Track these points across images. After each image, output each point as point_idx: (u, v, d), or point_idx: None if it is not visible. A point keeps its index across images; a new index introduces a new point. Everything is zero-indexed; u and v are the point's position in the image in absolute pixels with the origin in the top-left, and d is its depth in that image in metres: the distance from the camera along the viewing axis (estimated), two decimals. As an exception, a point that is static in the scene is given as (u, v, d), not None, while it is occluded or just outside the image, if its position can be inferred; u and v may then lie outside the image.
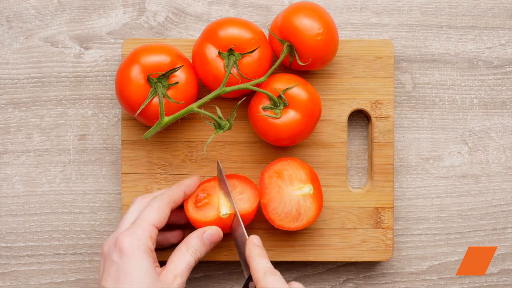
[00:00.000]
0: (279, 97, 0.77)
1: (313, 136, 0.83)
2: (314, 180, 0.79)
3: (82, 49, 0.85)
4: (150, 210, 0.74)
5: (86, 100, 0.85)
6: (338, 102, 0.83)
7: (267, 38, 0.80)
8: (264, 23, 0.86)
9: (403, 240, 0.86)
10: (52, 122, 0.85)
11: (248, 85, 0.76)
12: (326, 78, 0.83)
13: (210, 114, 0.75)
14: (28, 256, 0.85)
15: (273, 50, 0.79)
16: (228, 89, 0.76)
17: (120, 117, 0.85)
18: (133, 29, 0.85)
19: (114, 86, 0.85)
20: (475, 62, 0.86)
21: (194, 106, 0.76)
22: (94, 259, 0.85)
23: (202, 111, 0.76)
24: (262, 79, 0.77)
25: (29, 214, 0.85)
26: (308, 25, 0.76)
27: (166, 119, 0.76)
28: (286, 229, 0.78)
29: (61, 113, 0.85)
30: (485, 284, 0.86)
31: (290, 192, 0.78)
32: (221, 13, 0.86)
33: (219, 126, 0.77)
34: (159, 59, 0.77)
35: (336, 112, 0.83)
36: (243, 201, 0.78)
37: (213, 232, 0.76)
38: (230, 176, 0.80)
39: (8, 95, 0.85)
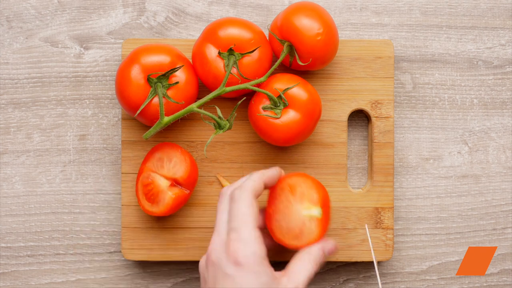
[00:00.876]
0: (279, 97, 0.77)
1: (313, 136, 0.83)
2: (325, 203, 0.75)
3: (82, 49, 0.85)
4: (244, 211, 0.68)
5: (86, 100, 0.85)
6: (338, 102, 0.83)
7: (267, 38, 0.80)
8: (264, 23, 0.86)
9: (403, 240, 0.86)
10: (52, 122, 0.85)
11: (248, 85, 0.76)
12: (326, 78, 0.83)
13: (210, 114, 0.75)
14: (28, 256, 0.85)
15: (273, 50, 0.79)
16: (228, 89, 0.76)
17: (120, 117, 0.85)
18: (133, 29, 0.85)
19: (114, 86, 0.85)
20: (475, 62, 0.86)
21: (194, 106, 0.76)
22: (94, 259, 0.85)
23: (202, 111, 0.76)
24: (262, 79, 0.77)
25: (29, 214, 0.85)
26: (308, 25, 0.76)
27: (166, 119, 0.76)
28: (284, 245, 0.75)
29: (61, 113, 0.85)
30: (485, 284, 0.86)
31: (298, 210, 0.75)
32: (221, 13, 0.86)
33: (219, 126, 0.77)
34: (159, 59, 0.77)
35: (336, 112, 0.83)
36: (176, 168, 0.79)
37: (333, 247, 0.74)
38: (164, 145, 0.80)
39: (8, 95, 0.85)
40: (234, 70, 0.77)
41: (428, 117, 0.86)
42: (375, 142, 0.83)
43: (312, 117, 0.78)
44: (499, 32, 0.86)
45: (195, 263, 0.85)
